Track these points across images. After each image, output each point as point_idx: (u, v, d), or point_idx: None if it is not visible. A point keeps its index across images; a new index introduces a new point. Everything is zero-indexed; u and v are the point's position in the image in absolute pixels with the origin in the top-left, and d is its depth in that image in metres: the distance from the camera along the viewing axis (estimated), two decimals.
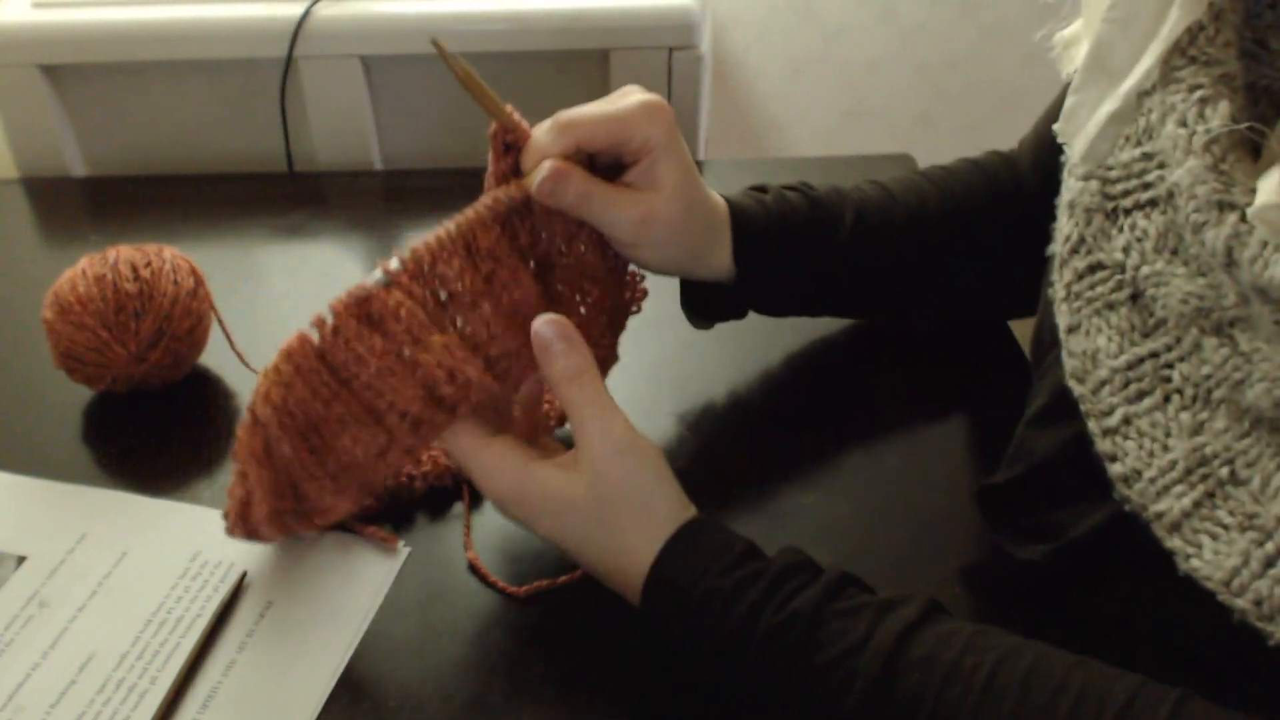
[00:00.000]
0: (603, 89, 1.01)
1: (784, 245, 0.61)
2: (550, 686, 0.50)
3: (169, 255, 0.66)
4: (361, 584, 0.54)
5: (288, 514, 0.51)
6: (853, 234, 0.62)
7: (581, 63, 1.00)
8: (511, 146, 0.53)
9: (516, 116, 0.53)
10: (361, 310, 0.48)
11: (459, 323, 0.50)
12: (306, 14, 0.94)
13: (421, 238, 0.50)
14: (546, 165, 0.52)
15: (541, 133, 0.53)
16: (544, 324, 0.50)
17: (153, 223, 0.89)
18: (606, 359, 0.60)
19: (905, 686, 0.41)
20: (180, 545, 0.56)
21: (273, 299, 0.78)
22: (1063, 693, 0.39)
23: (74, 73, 0.98)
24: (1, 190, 0.95)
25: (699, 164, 1.03)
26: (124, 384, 0.65)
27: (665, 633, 0.47)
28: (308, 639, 0.52)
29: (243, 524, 0.52)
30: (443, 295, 0.50)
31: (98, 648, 0.51)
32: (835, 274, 0.64)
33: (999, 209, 0.65)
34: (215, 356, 0.70)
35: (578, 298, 0.57)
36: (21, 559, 0.56)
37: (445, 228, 0.50)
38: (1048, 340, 0.51)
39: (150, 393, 0.67)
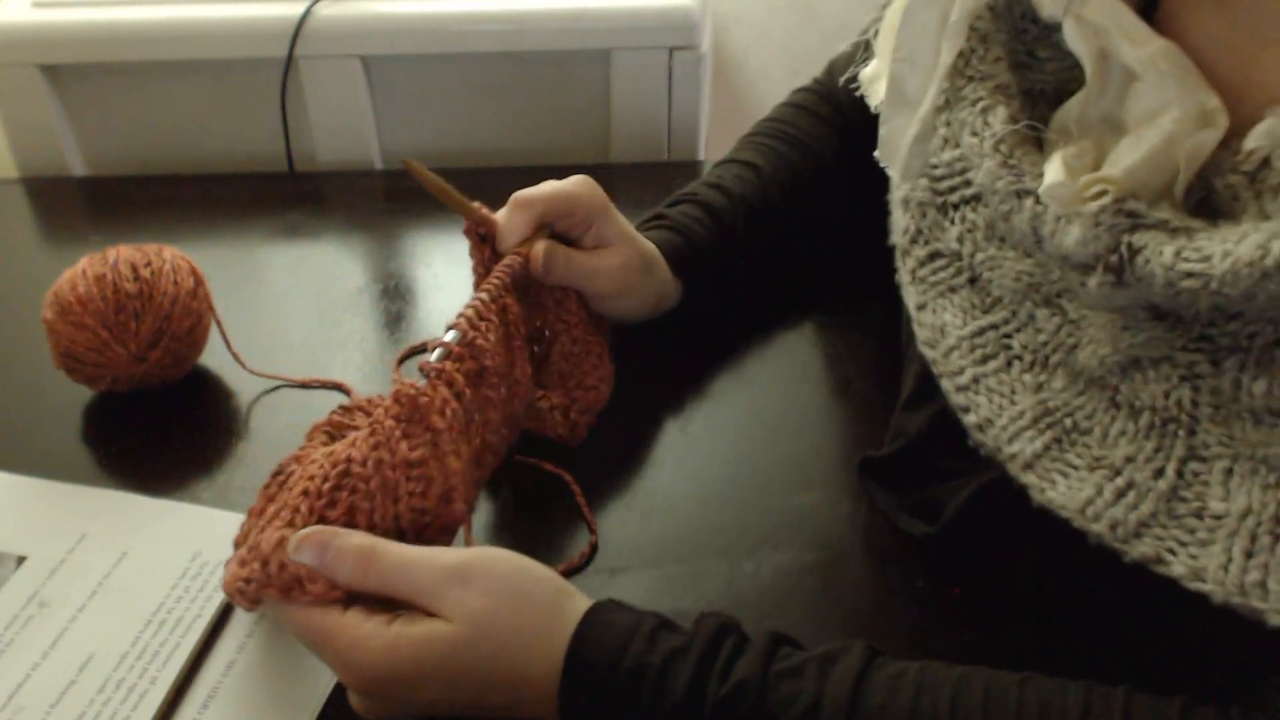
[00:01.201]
0: (603, 89, 1.02)
1: (715, 276, 0.69)
2: None
3: (169, 255, 0.66)
4: None
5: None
6: (746, 230, 0.70)
7: (582, 63, 1.00)
8: (486, 237, 0.61)
9: (485, 211, 0.60)
10: (408, 411, 0.47)
11: (476, 414, 0.52)
12: (306, 14, 0.94)
13: (460, 312, 0.52)
14: (540, 248, 0.59)
15: (505, 216, 0.60)
16: (300, 545, 0.44)
17: (153, 223, 0.89)
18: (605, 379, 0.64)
19: None
20: (180, 545, 0.56)
21: (273, 299, 0.78)
22: (1024, 709, 0.41)
23: (74, 73, 0.98)
24: (1, 190, 0.95)
25: (699, 164, 1.03)
26: (124, 384, 0.65)
27: None
28: None
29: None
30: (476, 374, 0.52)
31: (98, 648, 0.51)
32: (742, 267, 0.72)
33: (832, 140, 0.75)
34: (215, 356, 0.70)
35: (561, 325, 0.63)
36: (21, 559, 0.56)
37: (479, 297, 0.53)
38: (911, 330, 0.55)
39: (150, 393, 0.67)
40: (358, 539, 0.44)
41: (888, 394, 0.68)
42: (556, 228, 0.62)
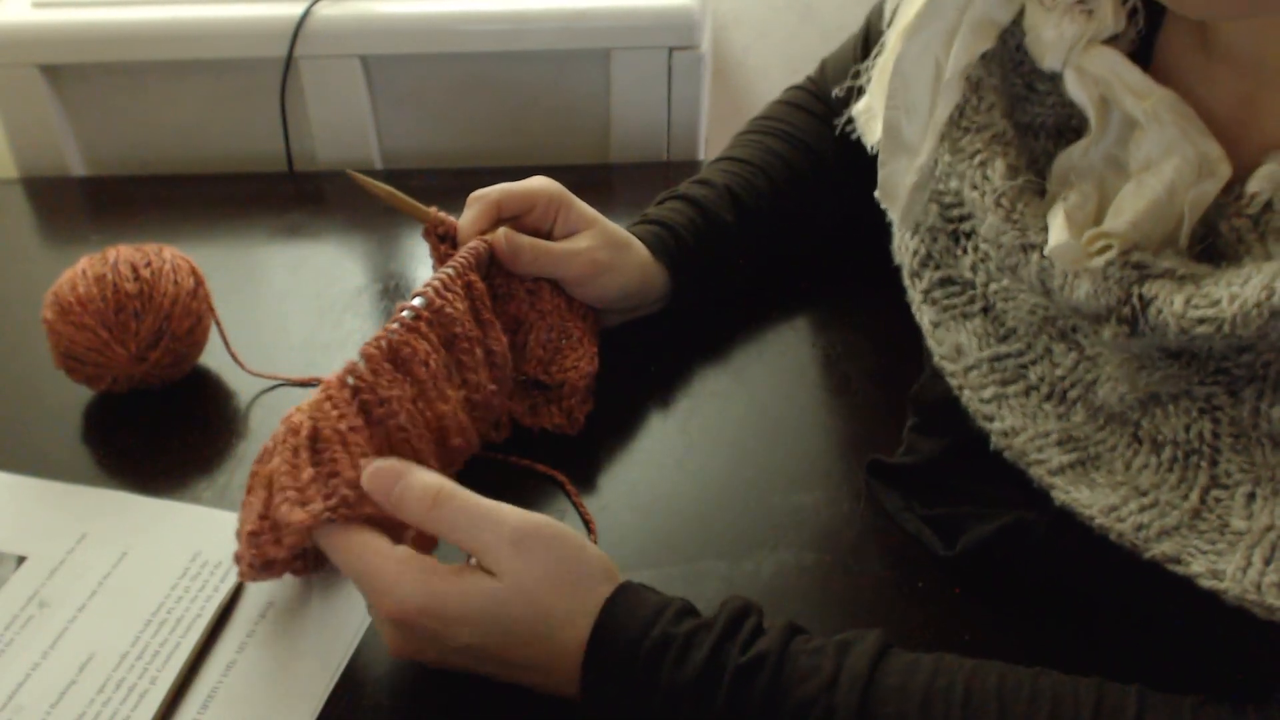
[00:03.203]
0: (603, 89, 1.02)
1: (701, 260, 0.69)
2: None
3: (169, 255, 0.66)
4: None
5: (263, 534, 0.48)
6: (732, 215, 0.71)
7: (582, 63, 1.00)
8: (445, 237, 0.62)
9: (441, 214, 0.63)
10: (393, 355, 0.51)
11: (453, 370, 0.54)
12: (306, 14, 0.94)
13: (426, 281, 0.54)
14: (501, 232, 0.60)
15: (464, 214, 0.62)
16: (372, 476, 0.46)
17: (153, 223, 0.89)
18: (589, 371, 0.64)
19: (886, 714, 0.42)
20: (180, 545, 0.56)
21: (273, 299, 0.78)
22: (1038, 699, 0.41)
23: (74, 73, 0.98)
24: (1, 190, 0.95)
25: (699, 164, 1.03)
26: (124, 384, 0.65)
27: (617, 693, 0.44)
28: (308, 639, 0.52)
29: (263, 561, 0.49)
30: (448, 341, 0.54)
31: (98, 648, 0.51)
32: (732, 255, 0.72)
33: (826, 135, 0.75)
34: (215, 356, 0.70)
35: (538, 312, 0.64)
36: (21, 559, 0.56)
37: (444, 271, 0.56)
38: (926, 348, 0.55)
39: (150, 393, 0.67)
40: (429, 478, 0.46)
41: (888, 393, 0.68)
42: (525, 224, 0.63)
